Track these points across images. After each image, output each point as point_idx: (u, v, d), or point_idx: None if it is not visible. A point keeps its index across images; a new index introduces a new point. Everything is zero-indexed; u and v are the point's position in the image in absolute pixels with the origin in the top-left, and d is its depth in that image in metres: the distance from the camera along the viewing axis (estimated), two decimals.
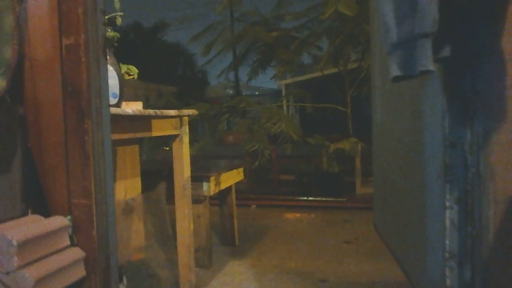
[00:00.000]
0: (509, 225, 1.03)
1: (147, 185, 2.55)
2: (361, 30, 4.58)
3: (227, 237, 3.38)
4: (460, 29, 1.02)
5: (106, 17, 1.76)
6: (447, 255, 1.16)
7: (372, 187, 2.47)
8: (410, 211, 1.45)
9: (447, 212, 1.15)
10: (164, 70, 16.36)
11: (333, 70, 6.95)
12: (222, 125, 5.26)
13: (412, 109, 1.39)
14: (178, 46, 18.51)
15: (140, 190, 2.40)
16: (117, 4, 1.86)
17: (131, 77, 2.26)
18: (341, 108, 5.99)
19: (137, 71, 2.24)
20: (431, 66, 0.92)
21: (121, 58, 2.04)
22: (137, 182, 2.39)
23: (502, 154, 1.04)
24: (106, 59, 1.37)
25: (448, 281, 1.16)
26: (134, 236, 2.32)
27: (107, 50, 1.59)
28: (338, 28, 4.95)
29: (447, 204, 1.15)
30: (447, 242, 1.16)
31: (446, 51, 1.02)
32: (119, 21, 1.88)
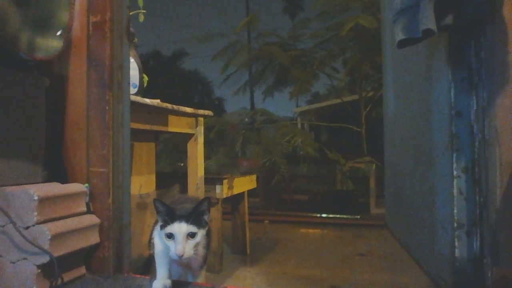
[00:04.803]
0: None
1: (162, 184, 2.61)
2: (377, 46, 4.68)
3: (238, 246, 3.37)
4: None
5: (131, 13, 1.88)
6: (455, 224, 1.17)
7: None
8: (420, 189, 1.46)
9: (455, 181, 1.17)
10: (182, 96, 16.75)
11: (349, 98, 7.07)
12: (237, 142, 5.34)
13: (422, 89, 1.43)
14: (196, 74, 19.04)
15: (154, 187, 2.45)
16: (140, 2, 1.98)
17: None
18: (355, 128, 6.03)
19: (147, 79, 2.30)
20: (433, 26, 0.97)
21: None
22: (152, 179, 2.44)
23: (506, 118, 1.07)
24: (129, 40, 1.46)
25: (457, 252, 1.16)
26: (147, 232, 2.35)
27: (130, 40, 1.69)
28: (355, 46, 5.08)
29: (455, 173, 1.17)
30: (455, 211, 1.16)
31: (449, 19, 1.07)
32: (141, 18, 2.01)
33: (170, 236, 1.13)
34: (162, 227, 1.16)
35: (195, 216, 1.16)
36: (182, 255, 1.11)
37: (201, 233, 1.16)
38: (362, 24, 4.29)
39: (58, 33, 1.25)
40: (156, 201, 1.18)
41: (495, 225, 1.08)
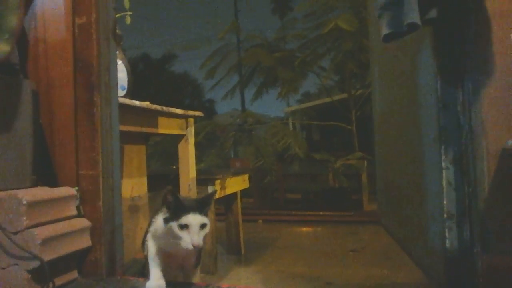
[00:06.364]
0: (502, 176, 1.06)
1: (154, 187, 2.59)
2: (361, 45, 4.71)
3: (232, 246, 3.36)
4: None
5: (117, 15, 1.87)
6: (445, 216, 1.18)
7: None
8: (410, 182, 1.47)
9: (444, 172, 1.18)
10: (172, 99, 16.70)
11: (338, 97, 7.12)
12: (228, 143, 5.33)
13: (408, 83, 1.44)
14: (186, 76, 19.02)
15: (146, 189, 2.43)
16: (126, 4, 1.97)
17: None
18: (346, 126, 6.06)
19: None
20: (418, 20, 0.98)
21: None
22: (143, 181, 2.43)
23: (491, 108, 1.08)
24: (115, 42, 1.45)
25: (447, 242, 1.17)
26: (139, 234, 2.33)
27: (117, 42, 1.68)
28: (339, 46, 5.10)
29: (443, 165, 1.18)
30: (445, 202, 1.18)
31: (433, 13, 1.08)
32: (128, 20, 1.99)
33: (184, 227, 1.14)
34: (170, 220, 1.16)
35: (206, 208, 1.19)
36: (198, 245, 1.13)
37: (209, 224, 1.19)
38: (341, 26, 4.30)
39: (6, 37, 1.25)
40: (168, 192, 1.18)
41: (484, 214, 1.09)
